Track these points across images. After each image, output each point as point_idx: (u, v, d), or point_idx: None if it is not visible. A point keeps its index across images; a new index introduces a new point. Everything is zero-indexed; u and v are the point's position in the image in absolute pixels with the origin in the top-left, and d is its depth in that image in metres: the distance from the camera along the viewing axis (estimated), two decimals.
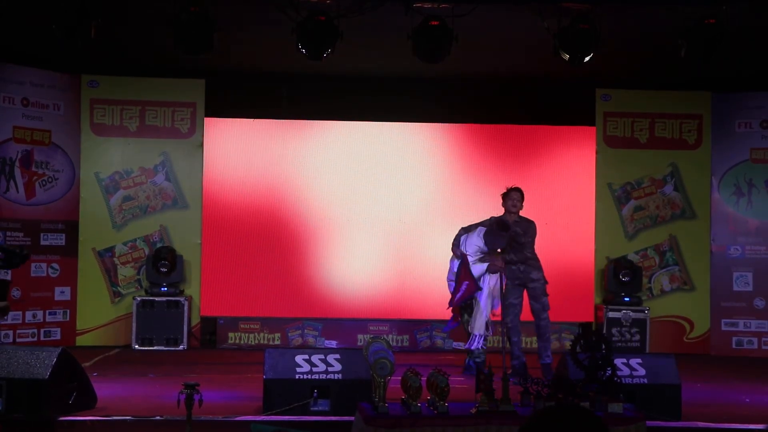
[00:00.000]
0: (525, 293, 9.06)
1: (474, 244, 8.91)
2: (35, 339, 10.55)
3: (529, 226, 9.15)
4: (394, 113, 11.38)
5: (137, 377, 8.91)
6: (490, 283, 8.81)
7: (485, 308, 8.84)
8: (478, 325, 8.88)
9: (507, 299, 8.87)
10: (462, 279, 8.91)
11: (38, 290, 10.61)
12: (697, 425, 6.95)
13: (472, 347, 8.91)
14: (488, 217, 9.21)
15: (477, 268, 8.85)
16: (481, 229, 8.94)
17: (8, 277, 5.41)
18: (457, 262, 9.04)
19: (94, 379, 7.68)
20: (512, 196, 9.13)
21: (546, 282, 9.04)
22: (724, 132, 11.39)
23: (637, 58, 10.44)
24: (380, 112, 11.40)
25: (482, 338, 8.85)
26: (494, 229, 8.79)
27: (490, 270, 8.76)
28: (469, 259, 8.86)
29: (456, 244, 9.11)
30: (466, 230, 9.12)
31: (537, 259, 9.07)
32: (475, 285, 8.85)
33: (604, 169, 11.40)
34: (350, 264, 11.29)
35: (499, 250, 8.86)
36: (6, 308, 5.15)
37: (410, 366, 6.24)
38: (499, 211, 11.67)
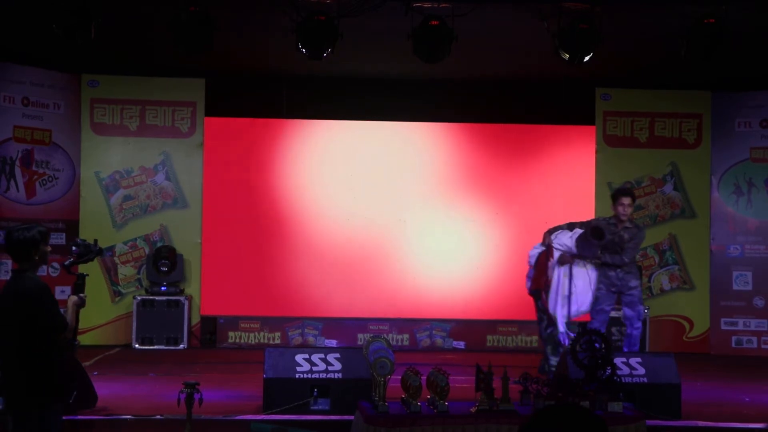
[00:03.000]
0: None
1: (564, 243, 8.46)
2: None
3: (637, 234, 8.72)
4: (394, 113, 11.38)
5: (138, 376, 8.93)
6: (559, 281, 8.36)
7: (554, 308, 8.36)
8: (561, 323, 8.40)
9: (599, 304, 8.52)
10: (539, 267, 8.52)
11: None
12: (697, 424, 6.96)
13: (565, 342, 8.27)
14: (591, 219, 8.89)
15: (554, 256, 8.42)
16: (577, 231, 8.47)
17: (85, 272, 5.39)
18: (538, 250, 8.64)
19: (94, 378, 7.69)
20: (622, 202, 8.68)
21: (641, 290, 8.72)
22: (723, 131, 11.39)
23: (637, 58, 10.44)
24: (380, 112, 11.40)
25: (566, 336, 8.21)
26: (587, 237, 8.30)
27: (561, 261, 8.32)
28: (555, 252, 8.44)
29: (549, 232, 8.61)
30: (564, 227, 8.65)
31: (636, 266, 8.68)
32: (543, 280, 8.36)
33: (604, 169, 11.40)
34: (350, 263, 11.29)
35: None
36: (83, 301, 5.18)
37: (410, 365, 6.25)
38: (496, 211, 11.70)
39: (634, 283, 8.67)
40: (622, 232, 8.65)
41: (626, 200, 8.70)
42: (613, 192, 9.02)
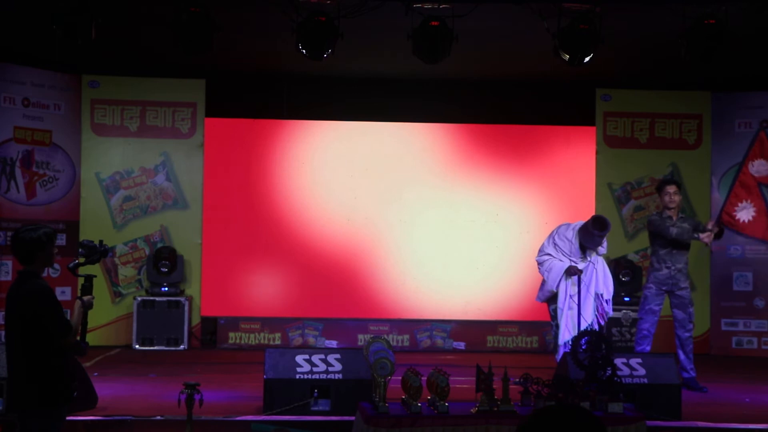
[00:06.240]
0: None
1: (566, 238, 8.31)
2: None
3: (693, 221, 8.59)
4: (394, 113, 11.39)
5: (138, 377, 8.93)
6: (571, 288, 8.27)
7: (567, 317, 8.26)
8: (561, 336, 8.34)
9: (648, 304, 8.46)
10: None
11: None
12: (697, 425, 6.96)
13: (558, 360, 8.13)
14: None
15: (558, 267, 8.30)
16: (579, 223, 8.38)
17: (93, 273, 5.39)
18: (542, 257, 8.41)
19: (94, 379, 7.70)
20: (668, 191, 8.50)
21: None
22: (724, 132, 11.39)
23: (637, 58, 10.44)
24: (380, 112, 11.40)
25: (567, 348, 7.91)
26: (589, 227, 8.17)
27: (568, 273, 8.24)
28: (553, 254, 8.30)
29: (546, 244, 8.41)
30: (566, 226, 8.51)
31: (687, 266, 8.52)
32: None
33: (604, 169, 11.40)
34: (350, 264, 11.29)
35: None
36: (91, 303, 5.17)
37: (410, 366, 6.25)
38: (497, 212, 11.68)
39: (684, 283, 8.47)
40: (681, 223, 8.45)
41: (671, 188, 8.52)
42: (658, 184, 8.93)
